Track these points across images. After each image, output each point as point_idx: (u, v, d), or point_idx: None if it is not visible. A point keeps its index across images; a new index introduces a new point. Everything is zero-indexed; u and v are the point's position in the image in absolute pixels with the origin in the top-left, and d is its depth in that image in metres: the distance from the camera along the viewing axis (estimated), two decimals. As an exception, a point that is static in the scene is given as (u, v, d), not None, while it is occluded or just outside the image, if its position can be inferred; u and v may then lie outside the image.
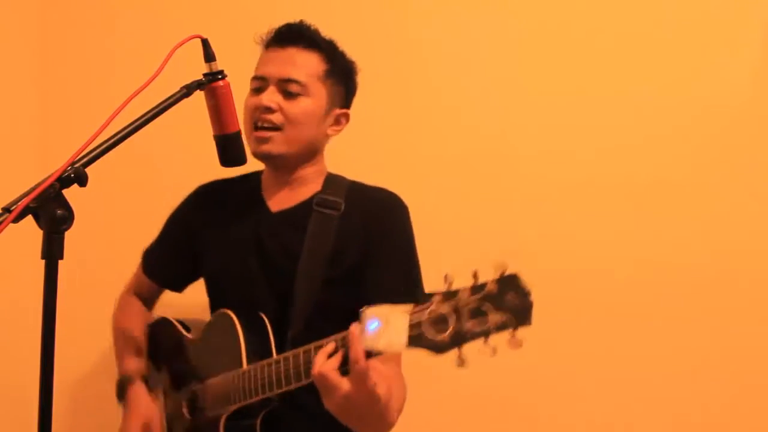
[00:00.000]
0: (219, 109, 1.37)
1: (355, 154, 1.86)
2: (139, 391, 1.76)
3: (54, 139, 2.25)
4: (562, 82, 2.10)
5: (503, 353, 1.11)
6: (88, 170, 1.14)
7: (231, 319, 1.60)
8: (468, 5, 2.14)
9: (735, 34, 2.04)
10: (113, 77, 2.21)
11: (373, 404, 1.29)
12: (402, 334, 1.17)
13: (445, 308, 1.15)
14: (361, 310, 1.21)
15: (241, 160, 1.45)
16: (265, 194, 1.73)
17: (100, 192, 1.40)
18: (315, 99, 1.64)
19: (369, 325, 1.19)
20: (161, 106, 1.25)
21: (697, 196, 2.04)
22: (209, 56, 1.33)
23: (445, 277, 1.16)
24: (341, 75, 1.70)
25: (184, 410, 1.71)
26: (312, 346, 1.35)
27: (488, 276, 1.14)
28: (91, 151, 1.16)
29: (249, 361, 1.52)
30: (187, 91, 1.29)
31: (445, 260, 1.47)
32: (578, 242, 2.07)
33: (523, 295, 1.12)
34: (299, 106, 1.63)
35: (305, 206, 1.67)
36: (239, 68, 1.48)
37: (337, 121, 1.71)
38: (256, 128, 1.63)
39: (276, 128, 1.62)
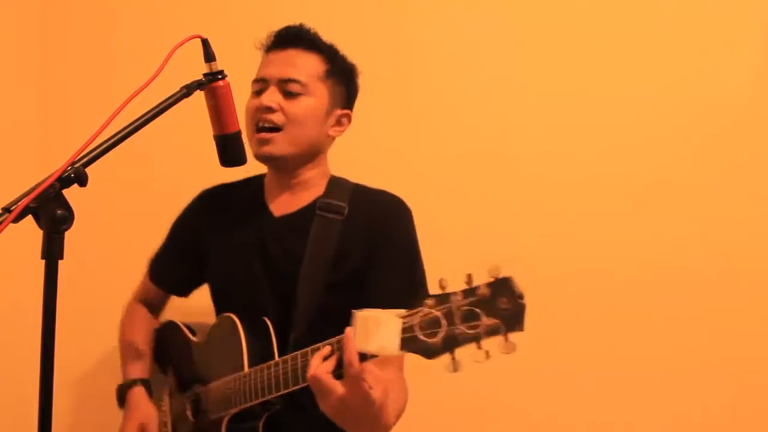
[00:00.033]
0: (219, 109, 1.37)
1: (354, 154, 1.86)
2: (139, 396, 1.77)
3: (54, 139, 2.25)
4: (562, 82, 2.10)
5: (503, 354, 1.11)
6: (88, 170, 1.14)
7: (234, 322, 1.60)
8: (468, 5, 2.14)
9: (735, 34, 2.04)
10: (113, 77, 2.21)
11: (367, 407, 1.29)
12: (394, 337, 1.17)
13: (437, 312, 1.15)
14: (353, 312, 1.21)
15: (241, 160, 1.44)
16: (268, 198, 1.73)
17: (100, 192, 1.39)
18: (316, 99, 1.64)
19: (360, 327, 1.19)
20: (161, 106, 1.25)
21: (697, 197, 2.04)
22: (209, 56, 1.33)
23: (440, 280, 1.16)
24: (342, 75, 1.69)
25: (188, 412, 1.72)
26: (310, 349, 1.35)
27: (483, 279, 1.13)
28: (91, 151, 1.16)
29: (251, 364, 1.52)
30: (187, 91, 1.29)
31: (445, 261, 1.47)
32: (578, 242, 2.07)
33: (516, 298, 1.12)
34: (300, 106, 1.62)
35: (308, 210, 1.67)
36: (239, 68, 1.47)
37: (338, 122, 1.70)
38: (258, 130, 1.63)
39: (277, 129, 1.62)
